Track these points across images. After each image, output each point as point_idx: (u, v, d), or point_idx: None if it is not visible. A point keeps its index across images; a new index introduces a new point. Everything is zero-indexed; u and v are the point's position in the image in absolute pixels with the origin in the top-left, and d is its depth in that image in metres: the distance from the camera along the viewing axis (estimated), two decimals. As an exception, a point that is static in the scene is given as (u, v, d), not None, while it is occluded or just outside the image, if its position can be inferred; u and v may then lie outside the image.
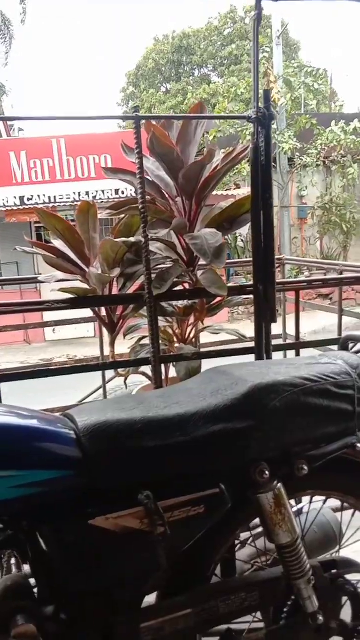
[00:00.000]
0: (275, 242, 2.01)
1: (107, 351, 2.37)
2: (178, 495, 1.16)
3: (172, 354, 2.17)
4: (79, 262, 2.08)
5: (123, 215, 2.15)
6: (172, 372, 2.22)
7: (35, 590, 1.18)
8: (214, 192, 2.35)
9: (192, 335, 2.31)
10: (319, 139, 11.37)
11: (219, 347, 2.54)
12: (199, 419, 1.18)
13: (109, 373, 2.84)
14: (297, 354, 2.39)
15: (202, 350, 2.29)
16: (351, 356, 1.41)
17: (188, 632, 1.24)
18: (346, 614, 1.44)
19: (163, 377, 2.06)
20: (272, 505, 1.26)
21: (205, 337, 2.55)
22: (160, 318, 2.05)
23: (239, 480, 1.24)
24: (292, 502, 1.39)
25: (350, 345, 1.55)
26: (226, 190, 10.80)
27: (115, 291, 2.14)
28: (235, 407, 1.20)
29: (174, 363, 2.16)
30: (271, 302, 1.98)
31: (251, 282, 2.03)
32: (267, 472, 1.23)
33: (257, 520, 1.38)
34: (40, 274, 2.44)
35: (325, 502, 1.56)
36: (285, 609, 1.37)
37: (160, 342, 2.04)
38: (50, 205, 9.83)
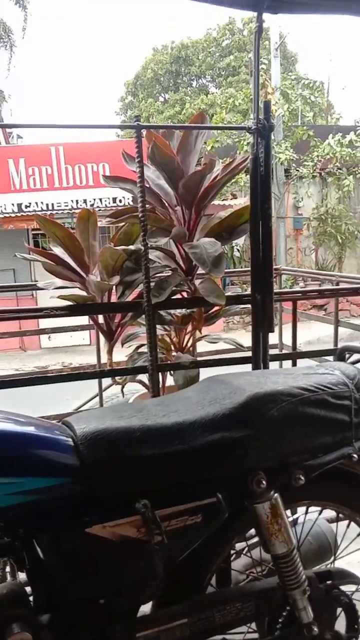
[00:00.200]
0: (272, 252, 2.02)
1: (103, 359, 2.37)
2: (175, 504, 1.16)
3: (169, 362, 2.17)
4: (78, 269, 2.09)
5: (123, 223, 2.16)
6: (169, 381, 2.23)
7: (31, 598, 1.18)
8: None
9: (189, 344, 2.32)
10: (315, 150, 11.47)
11: (216, 356, 2.55)
12: (197, 428, 1.18)
13: (105, 381, 2.84)
14: (294, 364, 2.40)
15: (199, 359, 2.29)
16: (348, 367, 1.42)
17: (183, 642, 1.24)
18: (340, 625, 1.44)
19: (160, 386, 2.06)
20: (269, 515, 1.26)
21: (201, 346, 2.55)
22: (158, 326, 2.05)
23: (236, 490, 1.24)
24: (288, 512, 1.39)
25: (347, 356, 1.56)
26: (222, 200, 10.85)
27: (114, 299, 2.15)
28: (233, 416, 1.20)
29: (171, 371, 2.16)
30: (268, 312, 1.99)
31: (247, 292, 2.04)
32: (264, 482, 1.24)
33: (252, 530, 1.38)
34: (37, 281, 2.44)
35: (320, 512, 1.56)
36: (280, 620, 1.37)
37: (158, 350, 2.04)
38: (48, 212, 9.83)
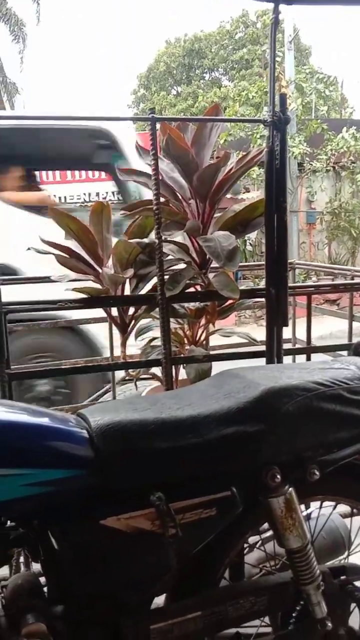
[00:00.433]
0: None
1: (116, 352, 2.37)
2: (190, 497, 1.16)
3: (182, 355, 2.16)
4: (92, 262, 2.08)
5: (136, 216, 2.15)
6: (181, 374, 2.22)
7: (45, 589, 1.18)
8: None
9: (202, 338, 2.31)
10: (329, 144, 11.37)
11: (229, 349, 2.53)
12: (211, 421, 1.18)
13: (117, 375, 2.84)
14: (308, 359, 2.38)
15: (212, 352, 2.28)
16: (364, 362, 1.40)
17: (196, 635, 1.24)
18: (354, 621, 1.44)
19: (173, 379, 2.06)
20: (283, 510, 1.26)
21: (214, 340, 2.54)
22: (171, 319, 2.05)
23: (251, 484, 1.24)
24: (302, 507, 1.39)
25: (363, 350, 1.55)
26: (235, 193, 10.80)
27: (127, 292, 2.14)
28: (247, 410, 1.20)
29: (184, 365, 2.15)
30: (283, 306, 1.97)
31: (259, 286, 2.02)
32: (278, 476, 1.23)
33: (266, 524, 1.38)
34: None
35: (334, 507, 1.56)
36: (293, 614, 1.37)
37: (171, 343, 2.04)
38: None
